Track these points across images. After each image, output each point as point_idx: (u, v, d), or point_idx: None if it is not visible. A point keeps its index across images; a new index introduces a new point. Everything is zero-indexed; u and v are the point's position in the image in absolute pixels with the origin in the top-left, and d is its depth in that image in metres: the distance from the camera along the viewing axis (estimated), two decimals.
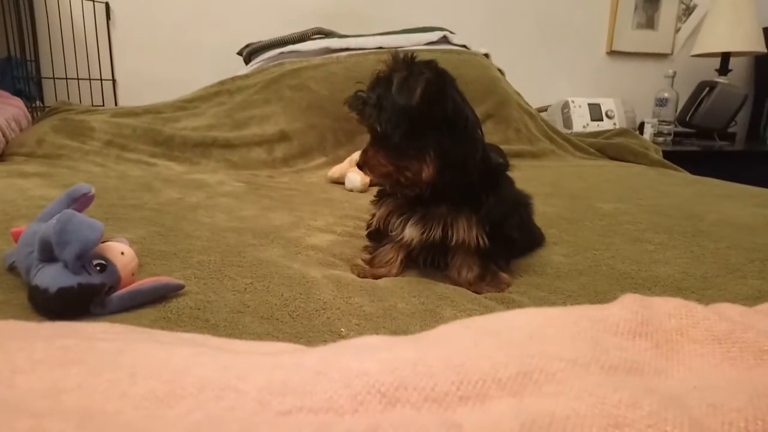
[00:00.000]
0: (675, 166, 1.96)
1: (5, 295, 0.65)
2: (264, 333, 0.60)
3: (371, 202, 0.86)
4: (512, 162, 0.87)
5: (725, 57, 2.62)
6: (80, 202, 0.73)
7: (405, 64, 0.71)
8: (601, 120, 2.51)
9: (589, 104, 2.53)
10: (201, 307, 0.64)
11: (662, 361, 0.35)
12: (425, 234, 0.77)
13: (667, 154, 2.11)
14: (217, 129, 1.78)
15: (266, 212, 1.12)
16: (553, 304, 0.73)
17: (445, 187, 0.75)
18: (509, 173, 0.86)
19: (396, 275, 0.81)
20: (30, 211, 0.96)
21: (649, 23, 2.81)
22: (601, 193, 1.41)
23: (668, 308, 0.40)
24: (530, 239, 0.93)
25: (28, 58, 2.08)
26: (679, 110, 2.63)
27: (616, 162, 2.04)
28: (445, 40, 2.17)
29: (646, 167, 1.92)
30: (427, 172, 0.72)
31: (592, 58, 2.83)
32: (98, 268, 0.61)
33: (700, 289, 0.78)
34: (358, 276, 0.80)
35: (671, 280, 0.81)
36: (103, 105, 2.21)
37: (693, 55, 2.69)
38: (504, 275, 0.79)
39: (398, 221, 0.79)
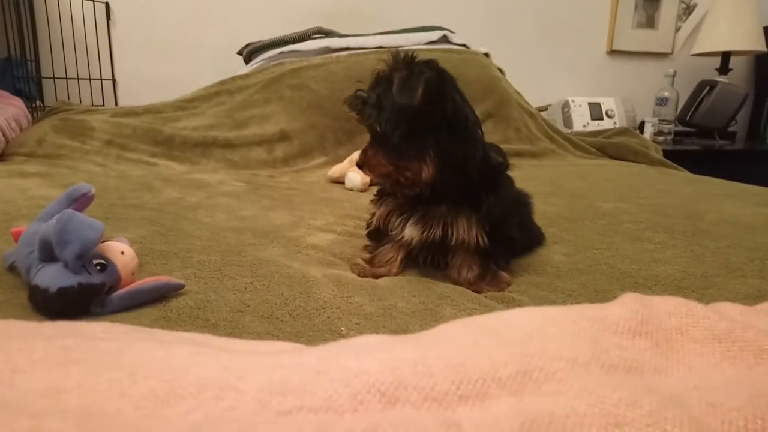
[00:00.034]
0: (675, 165, 1.96)
1: (5, 295, 0.65)
2: (264, 332, 0.60)
3: (371, 201, 0.86)
4: (512, 161, 0.87)
5: (725, 56, 2.62)
6: (80, 201, 0.73)
7: (405, 64, 0.71)
8: (602, 119, 2.51)
9: (589, 103, 2.53)
10: (201, 307, 0.64)
11: (662, 360, 0.35)
12: (425, 233, 0.77)
13: (667, 154, 2.11)
14: (218, 129, 1.78)
15: (266, 212, 1.12)
16: (553, 303, 0.73)
17: (445, 186, 0.74)
18: (509, 173, 0.86)
19: (396, 274, 0.81)
20: (30, 211, 0.96)
21: (650, 22, 2.81)
22: (601, 192, 1.41)
23: (668, 307, 0.40)
24: (530, 238, 0.93)
25: (28, 57, 2.08)
26: (679, 109, 2.63)
27: (616, 161, 2.04)
28: (445, 39, 2.17)
29: (647, 166, 1.92)
30: (426, 172, 0.72)
31: (593, 57, 2.82)
32: (98, 267, 0.61)
33: (700, 288, 0.78)
34: (358, 275, 0.80)
35: (671, 279, 0.81)
36: (103, 105, 2.21)
37: (693, 54, 2.69)
38: (504, 274, 0.79)
39: (398, 221, 0.79)
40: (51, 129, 1.65)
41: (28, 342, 0.34)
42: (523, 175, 0.94)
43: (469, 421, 0.26)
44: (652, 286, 0.79)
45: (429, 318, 0.65)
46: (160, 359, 0.33)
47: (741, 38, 2.51)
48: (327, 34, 2.12)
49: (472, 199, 0.76)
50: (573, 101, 2.51)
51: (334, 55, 1.99)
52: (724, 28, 2.53)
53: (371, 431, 0.25)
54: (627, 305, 0.40)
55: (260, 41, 2.12)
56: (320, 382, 0.30)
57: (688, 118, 2.59)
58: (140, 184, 1.30)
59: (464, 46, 2.20)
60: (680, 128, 2.67)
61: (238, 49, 2.22)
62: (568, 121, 2.50)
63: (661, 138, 2.53)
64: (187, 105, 1.90)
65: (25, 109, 1.85)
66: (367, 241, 0.90)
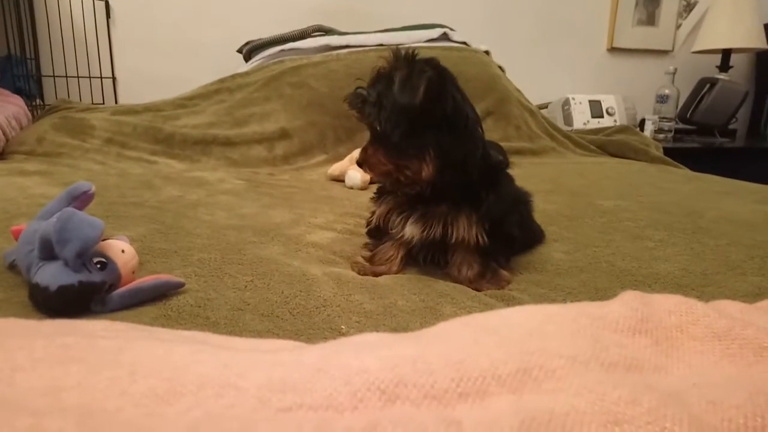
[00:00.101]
0: (675, 162, 1.96)
1: (6, 293, 0.65)
2: (264, 330, 0.60)
3: (371, 199, 0.86)
4: (512, 159, 0.87)
5: (726, 53, 2.62)
6: (80, 200, 0.73)
7: (406, 62, 0.71)
8: (602, 117, 2.51)
9: (589, 101, 2.52)
10: (201, 305, 0.64)
11: (662, 358, 0.35)
12: (425, 232, 0.77)
13: (667, 151, 2.11)
14: (218, 127, 1.78)
15: (266, 210, 1.12)
16: (553, 301, 0.73)
17: (446, 185, 0.74)
18: (509, 171, 0.86)
19: (396, 273, 0.81)
20: (30, 210, 0.96)
21: (650, 20, 2.80)
22: (601, 190, 1.41)
23: (668, 305, 0.40)
24: (530, 236, 0.93)
25: (28, 56, 2.08)
26: (679, 107, 2.63)
27: (616, 159, 2.03)
28: (445, 37, 2.17)
29: (647, 164, 1.92)
30: (426, 171, 0.72)
31: (593, 54, 2.82)
32: (99, 266, 0.61)
33: (700, 286, 0.78)
34: (359, 273, 0.80)
35: (671, 277, 0.81)
36: (104, 103, 2.21)
37: (694, 52, 2.68)
38: (504, 272, 0.79)
39: (398, 219, 0.79)
40: (51, 127, 1.65)
41: (28, 340, 0.34)
42: (523, 173, 0.94)
43: (469, 419, 0.26)
44: (652, 283, 0.79)
45: (429, 316, 0.65)
46: (160, 357, 0.33)
47: (741, 36, 2.50)
48: (327, 31, 2.12)
49: (472, 197, 0.76)
50: (573, 99, 2.51)
51: (334, 53, 1.99)
52: (725, 25, 2.53)
53: (371, 429, 0.25)
54: (627, 303, 0.40)
55: (260, 39, 2.12)
56: (320, 380, 0.30)
57: (688, 115, 2.59)
58: (140, 183, 1.30)
59: (464, 43, 2.19)
60: (681, 126, 2.67)
61: (238, 47, 2.22)
62: (568, 119, 2.49)
63: (661, 135, 2.53)
64: (187, 103, 1.90)
65: (25, 107, 1.85)
66: (367, 239, 0.90)
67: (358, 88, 0.74)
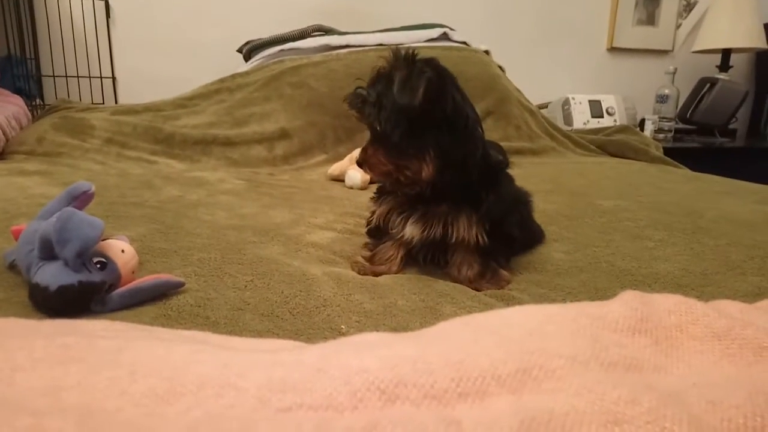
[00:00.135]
0: (675, 162, 1.96)
1: (6, 293, 0.65)
2: (264, 330, 0.60)
3: (371, 199, 0.86)
4: (512, 159, 0.87)
5: (726, 53, 2.62)
6: (80, 200, 0.73)
7: (406, 62, 0.71)
8: (602, 117, 2.51)
9: (589, 101, 2.52)
10: (201, 305, 0.64)
11: (661, 358, 0.35)
12: (426, 232, 0.77)
13: (667, 151, 2.11)
14: (218, 127, 1.78)
15: (266, 210, 1.12)
16: (552, 301, 0.74)
17: (446, 185, 0.74)
18: (509, 170, 0.86)
19: (396, 272, 0.81)
20: (30, 209, 0.96)
21: (650, 19, 2.80)
22: (601, 190, 1.41)
23: (668, 305, 0.40)
24: (530, 236, 0.93)
25: (28, 56, 2.08)
26: (679, 107, 2.63)
27: (616, 159, 2.03)
28: (445, 36, 2.17)
29: (647, 164, 1.92)
30: (426, 171, 0.72)
31: (593, 54, 2.82)
32: (98, 265, 0.61)
33: (700, 285, 0.78)
34: (359, 273, 0.80)
35: (671, 277, 0.81)
36: (103, 103, 2.21)
37: (694, 52, 2.68)
38: (504, 272, 0.79)
39: (399, 219, 0.79)
40: (51, 127, 1.65)
41: (28, 340, 0.34)
42: (523, 172, 0.94)
43: (468, 419, 0.26)
44: (651, 283, 0.79)
45: (429, 316, 0.65)
46: (160, 357, 0.33)
47: (741, 35, 2.50)
48: (327, 31, 2.12)
49: (472, 197, 0.76)
50: (573, 99, 2.51)
51: (334, 52, 1.98)
52: (725, 25, 2.53)
53: (371, 429, 0.25)
54: (627, 303, 0.40)
55: (260, 39, 2.12)
56: (320, 380, 0.30)
57: (688, 115, 2.59)
58: (140, 183, 1.30)
59: (464, 43, 2.19)
60: (681, 126, 2.67)
61: (237, 46, 2.22)
62: (568, 119, 2.49)
63: (661, 135, 2.53)
64: (187, 103, 1.90)
65: (25, 107, 1.85)
66: (367, 239, 0.90)
67: (357, 88, 0.74)
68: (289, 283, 0.72)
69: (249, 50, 2.14)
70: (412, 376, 0.30)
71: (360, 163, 0.77)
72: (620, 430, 0.25)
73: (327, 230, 0.99)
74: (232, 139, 1.74)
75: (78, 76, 2.19)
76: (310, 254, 0.86)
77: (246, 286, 0.71)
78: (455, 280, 0.78)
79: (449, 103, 0.71)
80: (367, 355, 0.32)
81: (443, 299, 0.70)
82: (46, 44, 2.13)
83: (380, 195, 0.83)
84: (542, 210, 1.06)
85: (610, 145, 2.13)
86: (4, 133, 1.58)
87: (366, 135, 0.78)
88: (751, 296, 0.73)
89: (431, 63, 0.71)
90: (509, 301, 0.72)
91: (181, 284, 0.68)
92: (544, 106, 2.57)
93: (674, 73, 2.57)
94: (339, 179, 1.53)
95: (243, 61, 2.19)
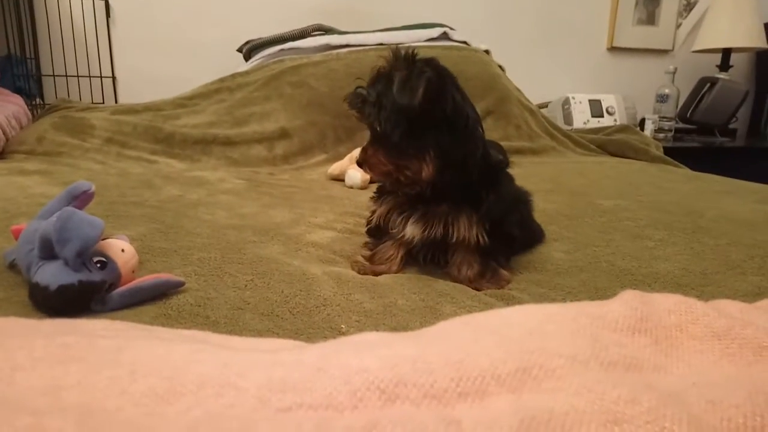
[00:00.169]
0: (675, 162, 1.96)
1: (6, 293, 0.65)
2: (264, 330, 0.60)
3: (371, 198, 0.86)
4: (512, 158, 0.87)
5: (726, 53, 2.62)
6: (80, 199, 0.73)
7: (406, 62, 0.71)
8: (602, 116, 2.51)
9: (589, 100, 2.52)
10: (201, 304, 0.64)
11: (661, 358, 0.35)
12: (426, 232, 0.77)
13: (667, 151, 2.11)
14: (218, 126, 1.78)
15: (266, 209, 1.12)
16: (552, 300, 0.74)
17: (446, 185, 0.74)
18: (509, 170, 0.85)
19: (396, 272, 0.81)
20: (30, 209, 0.96)
21: (650, 19, 2.80)
22: (601, 189, 1.41)
23: (668, 305, 0.40)
24: (530, 236, 0.93)
25: (28, 55, 2.09)
26: (679, 106, 2.63)
27: (616, 158, 2.03)
28: (445, 36, 2.16)
29: (647, 163, 1.92)
30: (426, 171, 0.72)
31: (593, 54, 2.82)
32: (99, 265, 0.61)
33: (700, 285, 0.78)
34: (359, 273, 0.80)
35: (671, 277, 0.81)
36: (103, 102, 2.21)
37: (694, 51, 2.68)
38: (504, 272, 0.79)
39: (399, 219, 0.79)
40: (51, 127, 1.65)
41: (28, 340, 0.34)
42: (523, 172, 0.94)
43: (468, 419, 0.26)
44: (651, 283, 0.79)
45: (429, 315, 0.66)
46: (160, 357, 0.33)
47: (742, 35, 2.50)
48: (327, 31, 2.12)
49: (472, 197, 0.76)
50: (573, 98, 2.51)
51: (334, 52, 1.98)
52: (725, 24, 2.53)
53: (371, 428, 0.25)
54: (626, 302, 0.40)
55: (260, 38, 2.12)
56: (320, 380, 0.30)
57: (688, 115, 2.59)
58: (140, 182, 1.30)
59: (464, 43, 2.19)
60: (681, 125, 2.67)
61: (237, 46, 2.22)
62: (568, 118, 2.49)
63: (661, 135, 2.53)
64: (187, 102, 1.90)
65: (25, 106, 1.85)
66: (367, 239, 0.90)
67: (357, 87, 0.74)
68: (289, 283, 0.72)
69: (249, 50, 2.14)
70: (412, 376, 0.30)
71: (360, 163, 0.77)
72: (620, 429, 0.25)
73: (327, 230, 0.99)
74: (232, 139, 1.74)
75: (78, 76, 2.19)
76: (310, 254, 0.86)
77: (246, 286, 0.71)
78: (455, 280, 0.78)
79: (449, 103, 0.71)
80: (367, 355, 0.32)
81: (443, 299, 0.70)
82: (46, 44, 2.13)
83: (380, 195, 0.83)
84: (542, 209, 1.06)
85: (610, 144, 2.13)
86: (4, 133, 1.58)
87: (366, 134, 0.78)
88: (751, 296, 0.73)
89: (431, 63, 0.71)
90: (509, 301, 0.72)
91: (181, 284, 0.68)
92: (544, 105, 2.57)
93: (674, 73, 2.57)
94: (339, 179, 1.53)
95: (243, 61, 2.19)
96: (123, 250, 0.65)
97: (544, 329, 0.37)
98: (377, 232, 0.85)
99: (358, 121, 0.77)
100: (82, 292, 0.59)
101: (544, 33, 2.72)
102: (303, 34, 2.06)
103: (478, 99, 1.91)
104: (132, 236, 0.81)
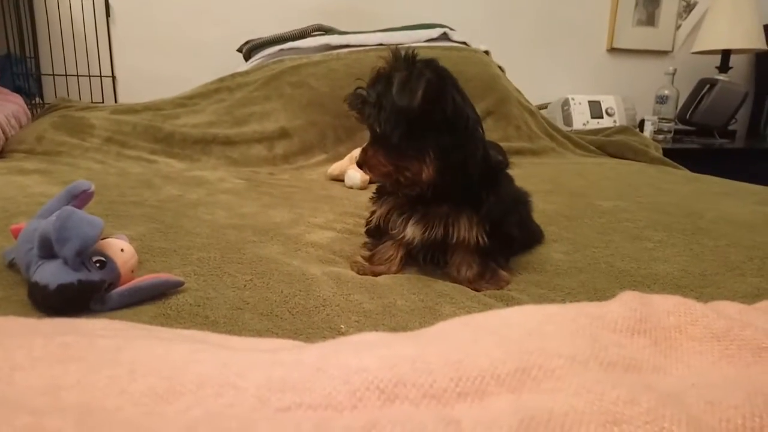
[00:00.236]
0: (675, 163, 1.96)
1: (5, 292, 0.65)
2: (263, 330, 0.60)
3: (370, 199, 0.86)
4: (512, 159, 0.87)
5: (726, 54, 2.62)
6: (80, 198, 0.73)
7: (405, 63, 0.71)
8: (602, 117, 2.51)
9: (589, 101, 2.52)
10: (201, 304, 0.64)
11: (660, 359, 0.35)
12: (427, 233, 0.77)
13: (667, 152, 2.11)
14: (218, 126, 1.78)
15: (266, 209, 1.12)
16: (552, 301, 0.74)
17: (446, 186, 0.74)
18: (509, 171, 0.86)
19: (396, 272, 0.81)
20: (30, 208, 0.96)
21: (650, 20, 2.80)
22: (600, 190, 1.41)
23: (667, 306, 0.40)
24: (529, 237, 0.94)
25: (27, 54, 2.08)
26: (679, 108, 2.63)
27: (616, 159, 2.04)
28: (445, 37, 2.17)
29: (646, 165, 1.92)
30: (427, 172, 0.72)
31: (593, 55, 2.82)
32: (98, 264, 0.61)
33: (699, 286, 0.78)
34: (358, 273, 0.80)
35: (670, 278, 0.81)
36: (103, 102, 2.21)
37: (693, 53, 2.68)
38: (503, 273, 0.79)
39: (400, 220, 0.79)
40: (50, 126, 1.65)
41: (27, 339, 0.34)
42: (522, 173, 0.94)
43: (467, 418, 0.26)
44: (651, 284, 0.79)
45: (428, 316, 0.66)
46: (160, 356, 0.33)
47: (741, 36, 2.50)
48: (327, 31, 2.12)
49: (472, 198, 0.76)
50: (573, 99, 2.51)
51: (335, 52, 1.98)
52: (725, 26, 2.53)
53: (370, 428, 0.25)
54: (626, 303, 0.40)
55: (260, 38, 2.12)
56: (319, 379, 0.30)
57: (688, 116, 2.59)
58: (140, 182, 1.30)
59: (464, 43, 2.19)
60: (680, 126, 2.67)
61: (237, 46, 2.22)
62: (568, 119, 2.49)
63: (661, 136, 2.53)
64: (186, 102, 1.90)
65: (25, 106, 1.85)
66: (366, 239, 0.90)
67: (357, 88, 0.74)
68: (289, 283, 0.72)
69: (249, 50, 2.14)
70: (412, 376, 0.30)
71: (360, 165, 0.77)
72: (619, 430, 0.25)
73: (326, 230, 0.99)
74: (232, 139, 1.74)
75: (78, 75, 2.19)
76: (310, 254, 0.86)
77: (245, 286, 0.71)
78: (454, 281, 0.78)
79: (449, 104, 0.70)
80: (366, 355, 0.32)
81: (442, 299, 0.70)
82: (46, 43, 2.13)
83: (380, 195, 0.83)
84: (542, 210, 1.06)
85: (610, 145, 2.13)
86: (4, 132, 1.58)
87: (366, 135, 0.78)
88: (750, 297, 0.73)
89: (431, 64, 0.71)
90: (508, 302, 0.72)
91: (181, 283, 0.68)
92: (544, 106, 2.57)
93: (674, 74, 2.57)
94: (339, 179, 1.53)
95: (243, 61, 2.19)
96: (122, 250, 0.65)
97: (543, 330, 0.37)
98: (377, 233, 0.85)
99: (358, 122, 0.77)
100: (82, 291, 0.59)
101: (544, 34, 2.72)
102: (303, 34, 2.07)
103: (478, 100, 1.91)
104: (131, 236, 0.81)
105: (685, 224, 1.07)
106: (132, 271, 0.67)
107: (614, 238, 0.99)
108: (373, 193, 0.86)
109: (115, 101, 2.25)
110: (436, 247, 0.80)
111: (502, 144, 1.37)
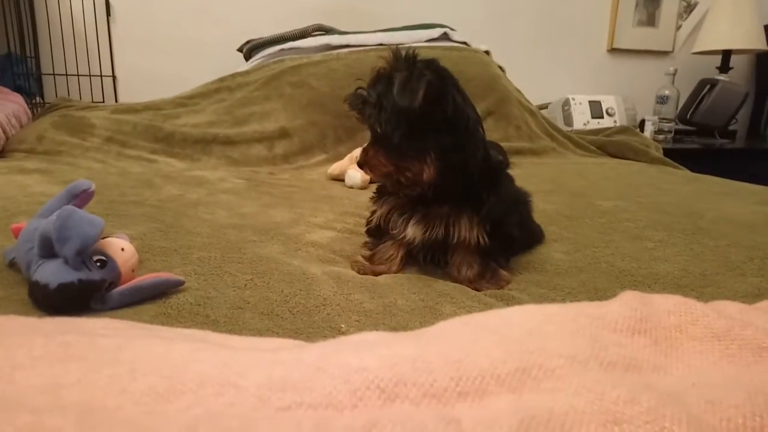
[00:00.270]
0: (675, 163, 1.96)
1: (6, 291, 0.65)
2: (264, 329, 0.60)
3: (371, 198, 0.86)
4: (513, 159, 0.87)
5: (726, 54, 2.62)
6: (80, 198, 0.73)
7: (406, 64, 0.71)
8: (602, 117, 2.51)
9: (589, 101, 2.52)
10: (201, 303, 0.64)
11: (661, 358, 0.35)
12: (428, 233, 0.77)
13: (667, 152, 2.11)
14: (218, 126, 1.78)
15: (266, 209, 1.12)
16: (552, 301, 0.74)
17: (447, 186, 0.74)
18: (509, 171, 0.86)
19: (396, 272, 0.81)
20: (30, 208, 0.96)
21: (650, 20, 2.80)
22: (601, 190, 1.41)
23: (667, 305, 0.40)
24: (530, 236, 0.94)
25: (28, 54, 2.08)
26: (679, 108, 2.63)
27: (616, 159, 2.03)
28: (445, 37, 2.17)
29: (647, 165, 1.92)
30: (427, 172, 0.72)
31: (593, 55, 2.82)
32: (98, 264, 0.61)
33: (700, 286, 0.78)
34: (358, 272, 0.80)
35: (671, 278, 0.81)
36: (103, 101, 2.21)
37: (694, 53, 2.68)
38: (504, 272, 0.79)
39: (400, 220, 0.79)
40: (51, 125, 1.65)
41: (28, 338, 0.34)
42: (523, 173, 0.94)
43: (468, 418, 0.26)
44: (651, 284, 0.79)
45: (428, 315, 0.66)
46: (160, 355, 0.33)
47: (742, 37, 2.50)
48: (327, 31, 2.12)
49: (473, 198, 0.76)
50: (573, 99, 2.51)
51: (335, 52, 1.98)
52: (725, 26, 2.53)
53: (370, 427, 0.25)
54: (626, 303, 0.40)
55: (260, 38, 2.12)
56: (320, 379, 0.30)
57: (688, 116, 2.59)
58: (140, 181, 1.30)
59: (465, 43, 2.19)
60: (681, 127, 2.67)
61: (238, 46, 2.22)
62: (568, 119, 2.49)
63: (661, 136, 2.53)
64: (187, 102, 1.90)
65: (25, 105, 1.85)
66: (366, 239, 0.90)
67: (358, 88, 0.74)
68: (289, 282, 0.72)
69: (249, 49, 2.14)
70: (412, 375, 0.30)
71: (361, 165, 0.77)
72: (619, 429, 0.25)
73: (327, 229, 0.99)
74: (232, 138, 1.74)
75: (78, 75, 2.19)
76: (310, 253, 0.86)
77: (246, 285, 0.71)
78: (455, 280, 0.78)
79: (450, 104, 0.70)
80: (366, 354, 0.32)
81: (443, 299, 0.70)
82: (46, 42, 2.13)
83: (380, 195, 0.83)
84: (542, 210, 1.06)
85: (610, 145, 2.13)
86: (4, 132, 1.58)
87: (366, 135, 0.78)
88: (750, 297, 0.73)
89: (432, 65, 0.71)
90: (509, 301, 0.72)
91: (181, 283, 0.68)
92: (544, 106, 2.57)
93: (674, 74, 2.57)
94: (339, 179, 1.53)
95: (243, 61, 2.19)
96: (123, 249, 0.65)
97: (543, 329, 0.37)
98: (377, 232, 0.85)
99: (358, 122, 0.77)
100: (82, 290, 0.59)
101: (545, 34, 2.72)
102: (303, 34, 2.07)
103: (479, 99, 1.91)
104: (132, 235, 0.81)
105: (685, 224, 1.07)
106: (132, 271, 0.67)
107: (615, 238, 0.99)
108: (374, 192, 0.85)
109: (116, 101, 2.26)
110: (437, 246, 0.80)
111: (502, 144, 1.37)
